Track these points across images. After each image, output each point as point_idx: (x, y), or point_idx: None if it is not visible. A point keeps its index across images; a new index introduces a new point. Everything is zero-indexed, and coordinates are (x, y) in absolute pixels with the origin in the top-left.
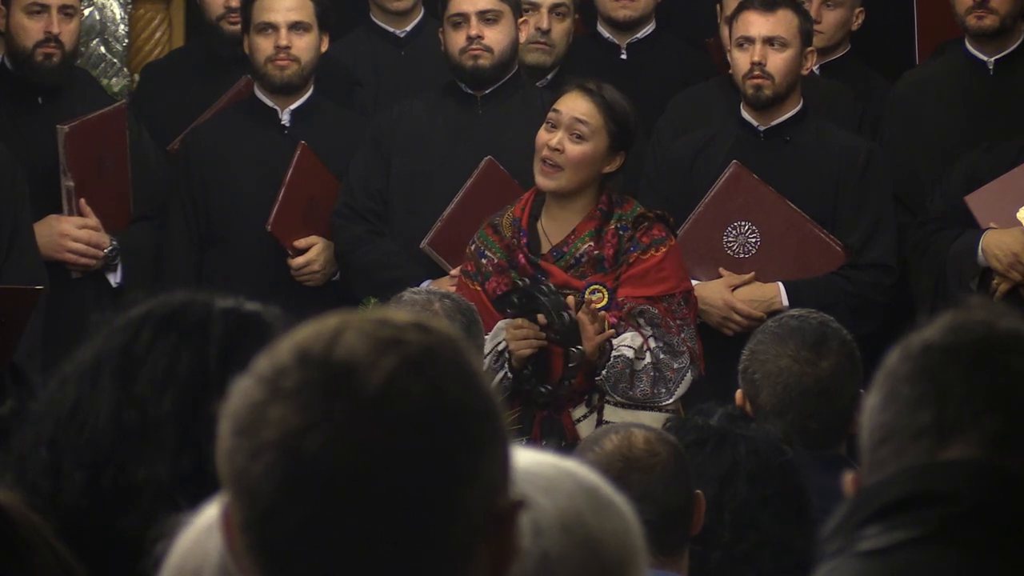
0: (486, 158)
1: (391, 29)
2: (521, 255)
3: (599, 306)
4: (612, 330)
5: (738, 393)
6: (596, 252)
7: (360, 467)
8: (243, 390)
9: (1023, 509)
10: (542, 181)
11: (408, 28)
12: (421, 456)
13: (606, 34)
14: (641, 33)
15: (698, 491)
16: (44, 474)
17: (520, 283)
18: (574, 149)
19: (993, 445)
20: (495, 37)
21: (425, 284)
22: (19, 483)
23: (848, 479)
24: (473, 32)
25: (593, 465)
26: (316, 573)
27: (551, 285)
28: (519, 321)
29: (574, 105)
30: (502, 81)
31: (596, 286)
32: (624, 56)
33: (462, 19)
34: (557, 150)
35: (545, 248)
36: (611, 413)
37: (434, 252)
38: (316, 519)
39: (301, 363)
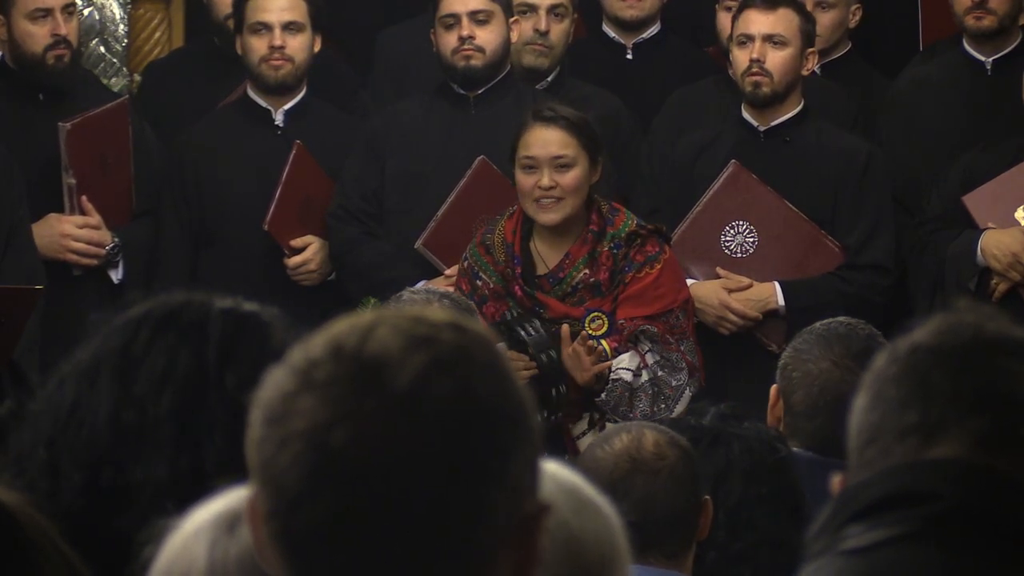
0: (479, 158)
1: None
2: (517, 287)
3: (600, 332)
4: (609, 362)
5: (773, 388)
6: (592, 279)
7: (385, 463)
8: (276, 380)
9: (1005, 506)
10: (545, 217)
11: None
12: (447, 456)
13: (612, 34)
14: (647, 33)
15: (706, 497)
16: (42, 474)
17: (508, 316)
18: (567, 178)
19: (979, 446)
20: (487, 37)
21: (420, 284)
22: (17, 483)
23: (835, 480)
24: (465, 33)
25: (600, 464)
26: (338, 565)
27: (537, 323)
28: (510, 354)
29: (545, 142)
30: (494, 81)
31: (596, 313)
32: (630, 56)
33: (453, 20)
34: (551, 187)
35: (540, 270)
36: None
37: (428, 252)
38: (340, 512)
39: (334, 356)
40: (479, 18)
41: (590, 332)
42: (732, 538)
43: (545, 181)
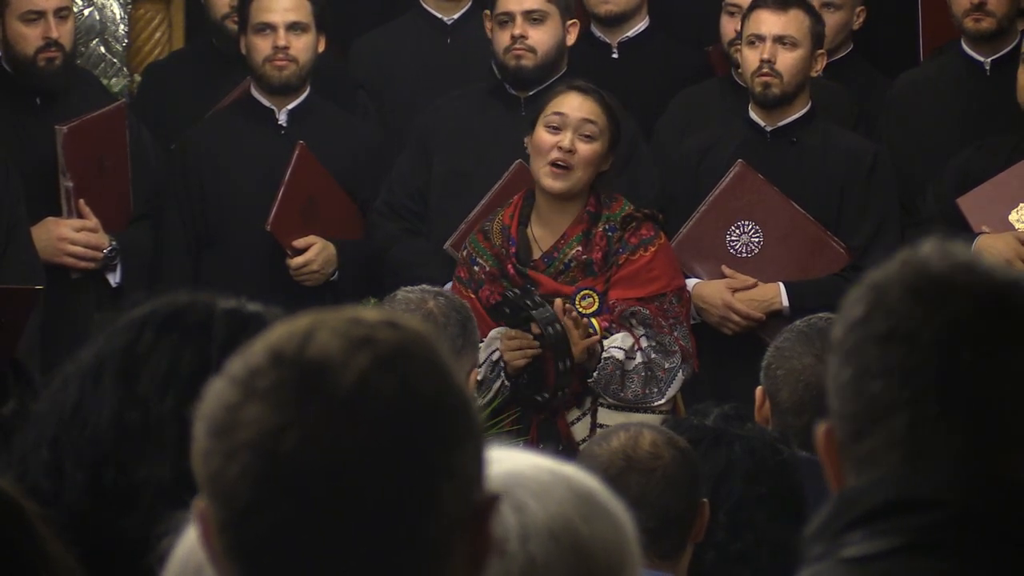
0: (516, 162)
1: (439, 15)
2: (510, 265)
3: (590, 311)
4: (596, 336)
5: (758, 389)
6: (584, 256)
7: (335, 465)
8: (217, 391)
9: (1008, 513)
10: (552, 183)
11: (456, 16)
12: (395, 453)
13: (597, 33)
14: (632, 31)
15: (704, 500)
16: (45, 474)
17: (510, 294)
18: (586, 148)
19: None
20: (540, 37)
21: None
22: (20, 483)
23: (820, 430)
24: (517, 32)
25: (596, 461)
26: (294, 572)
27: (537, 297)
28: (512, 332)
29: (579, 105)
30: (548, 83)
31: (586, 291)
32: (615, 55)
33: (508, 18)
34: (570, 151)
35: (536, 254)
36: (605, 416)
37: (456, 253)
38: (293, 518)
39: (275, 363)
40: (534, 17)
41: (580, 310)
42: (732, 538)
43: (566, 142)
